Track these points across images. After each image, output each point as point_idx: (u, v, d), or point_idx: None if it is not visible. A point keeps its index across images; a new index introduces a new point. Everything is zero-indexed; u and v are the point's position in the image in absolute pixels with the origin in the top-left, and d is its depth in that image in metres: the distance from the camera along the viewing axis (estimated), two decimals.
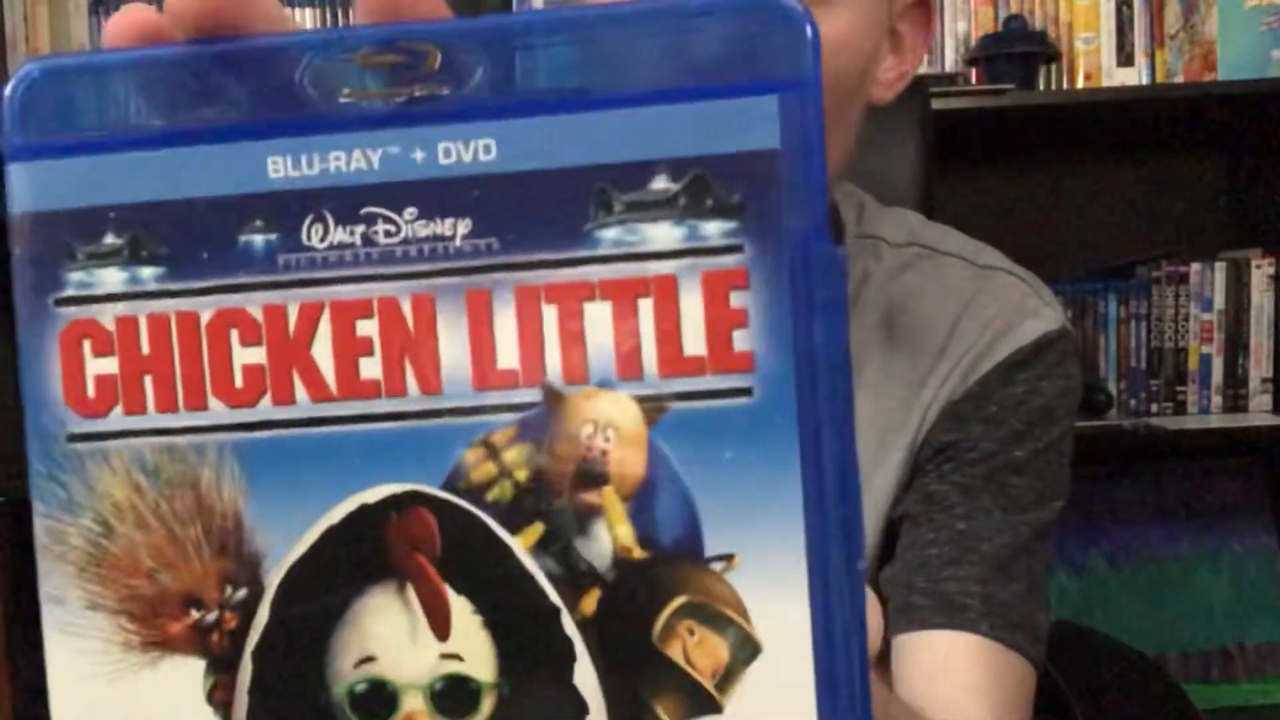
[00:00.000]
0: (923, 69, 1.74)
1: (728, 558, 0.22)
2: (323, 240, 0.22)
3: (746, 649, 0.22)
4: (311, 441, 0.22)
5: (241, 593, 0.22)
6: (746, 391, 0.21)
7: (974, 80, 1.72)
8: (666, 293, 0.21)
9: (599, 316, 0.22)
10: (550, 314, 0.22)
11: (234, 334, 0.22)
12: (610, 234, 0.21)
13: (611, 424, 0.22)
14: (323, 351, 0.22)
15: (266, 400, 0.22)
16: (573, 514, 0.22)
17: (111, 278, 0.22)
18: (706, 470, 0.22)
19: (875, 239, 0.71)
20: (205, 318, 0.22)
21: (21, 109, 0.22)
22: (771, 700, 0.22)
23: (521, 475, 0.22)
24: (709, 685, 0.22)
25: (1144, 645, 1.54)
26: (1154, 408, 1.73)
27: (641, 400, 0.22)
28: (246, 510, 0.22)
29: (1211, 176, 1.86)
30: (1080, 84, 1.78)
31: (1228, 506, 1.80)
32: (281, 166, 0.22)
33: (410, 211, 0.22)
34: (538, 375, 0.22)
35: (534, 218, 0.22)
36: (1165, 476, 1.81)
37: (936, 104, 1.20)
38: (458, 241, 0.22)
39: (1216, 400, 1.73)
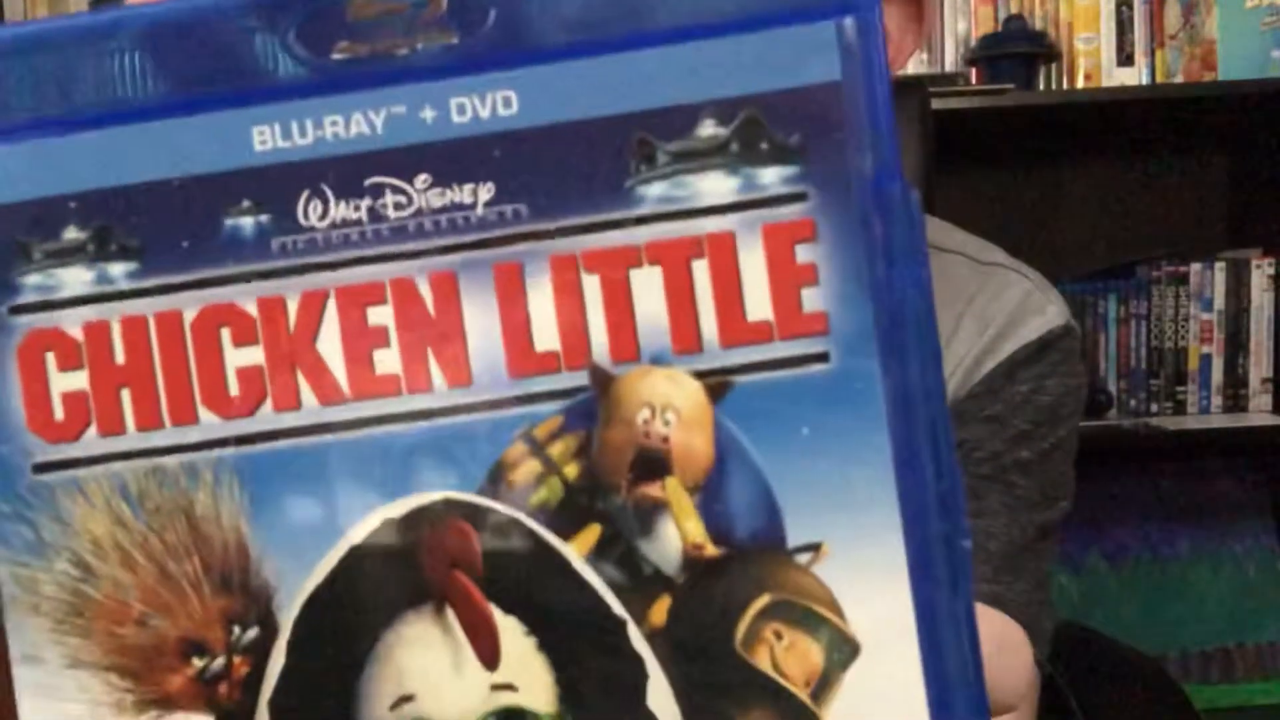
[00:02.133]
0: (923, 69, 1.74)
1: (815, 548, 0.19)
2: (322, 218, 0.19)
3: (844, 650, 0.19)
4: (323, 451, 0.19)
5: (252, 633, 0.19)
6: (822, 357, 0.19)
7: (974, 80, 1.72)
8: (724, 252, 0.19)
9: (649, 284, 0.19)
10: (592, 284, 0.19)
11: (225, 333, 0.19)
12: (655, 189, 0.19)
13: (670, 405, 0.19)
14: (330, 346, 0.19)
15: (267, 407, 0.19)
16: (633, 512, 0.19)
17: (76, 278, 0.18)
18: (783, 450, 0.19)
19: None
20: (189, 316, 0.19)
21: None
22: (876, 706, 0.19)
23: (571, 472, 0.19)
24: (803, 695, 0.19)
25: (1144, 645, 1.54)
26: (1154, 408, 1.73)
27: (703, 375, 0.19)
28: (251, 536, 0.19)
29: (1211, 176, 1.86)
30: (1080, 84, 1.78)
31: (1228, 506, 1.80)
32: (269, 137, 0.19)
33: (423, 179, 0.19)
34: (582, 356, 0.19)
35: (565, 177, 0.19)
36: (1165, 476, 1.81)
37: (936, 104, 1.20)
38: (479, 210, 0.19)
39: (1216, 400, 1.72)
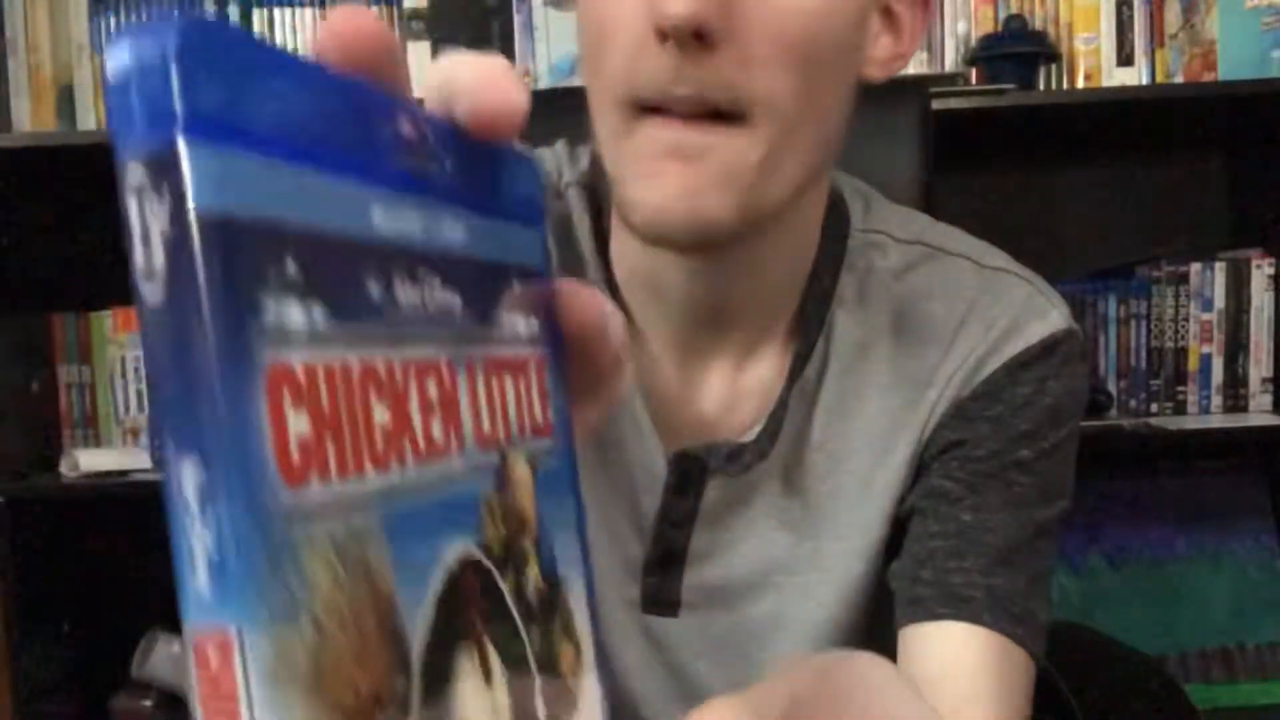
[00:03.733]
0: (923, 69, 1.74)
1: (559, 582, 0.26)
2: (404, 297, 0.21)
3: (580, 657, 0.27)
4: (416, 509, 0.20)
5: (399, 681, 0.19)
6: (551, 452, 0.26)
7: (974, 80, 1.72)
8: (530, 370, 0.26)
9: (511, 388, 0.25)
10: (508, 383, 0.24)
11: (372, 390, 0.19)
12: (510, 322, 0.25)
13: (523, 480, 0.25)
14: (413, 411, 0.21)
15: (395, 463, 0.20)
16: (520, 555, 0.24)
17: (295, 314, 0.18)
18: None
19: (881, 234, 0.70)
20: (355, 371, 0.19)
21: (193, 66, 0.17)
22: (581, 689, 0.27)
23: (502, 530, 0.24)
24: (570, 683, 0.26)
25: (1144, 645, 1.54)
26: (1154, 408, 1.73)
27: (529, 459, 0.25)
28: (395, 587, 0.19)
29: (1211, 176, 1.86)
30: (1080, 84, 1.78)
31: (1228, 506, 1.80)
32: (383, 217, 0.21)
33: (436, 280, 0.22)
34: (496, 437, 0.24)
35: (484, 300, 0.24)
36: (1165, 476, 1.81)
37: (936, 104, 1.20)
38: (457, 313, 0.23)
39: (1216, 400, 1.72)
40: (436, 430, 0.21)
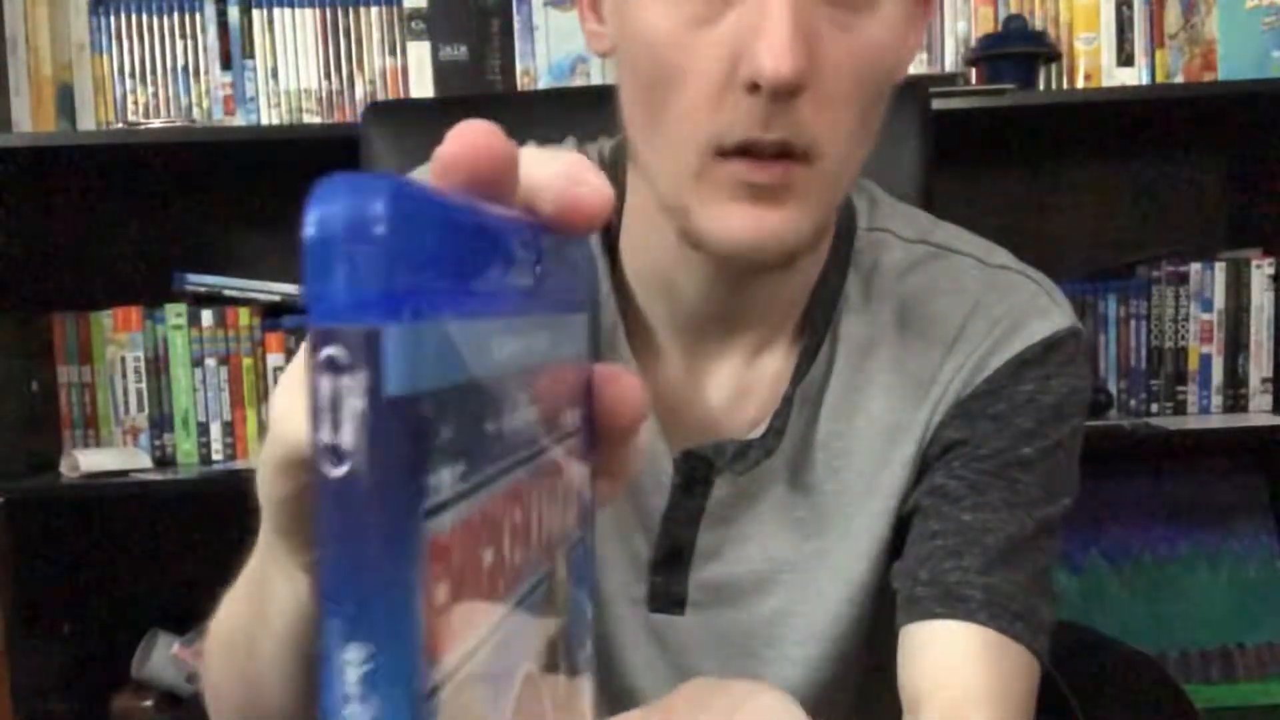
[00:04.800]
0: (923, 69, 1.74)
1: None
2: (508, 428, 0.20)
3: None
4: (504, 637, 0.20)
5: None
6: None
7: (974, 80, 1.72)
8: (572, 465, 0.25)
9: (560, 490, 0.24)
10: (559, 485, 0.24)
11: (484, 534, 0.19)
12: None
13: (563, 581, 0.25)
14: (506, 545, 0.20)
15: (495, 600, 0.19)
16: (554, 657, 0.24)
17: (446, 480, 0.17)
18: None
19: (886, 232, 0.71)
20: (477, 521, 0.18)
21: (399, 243, 0.16)
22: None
23: (548, 637, 0.24)
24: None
25: (1144, 645, 1.54)
26: (1154, 408, 1.73)
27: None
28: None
29: (1211, 176, 1.86)
30: (1080, 84, 1.78)
31: (1228, 506, 1.80)
32: (500, 347, 0.20)
33: (524, 397, 0.21)
34: (551, 548, 0.23)
35: (551, 404, 0.23)
36: (1165, 476, 1.81)
37: (936, 104, 1.20)
38: (536, 428, 0.22)
39: (1216, 400, 1.72)
40: (519, 557, 0.21)
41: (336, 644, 0.16)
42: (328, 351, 0.16)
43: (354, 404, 0.16)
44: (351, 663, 0.16)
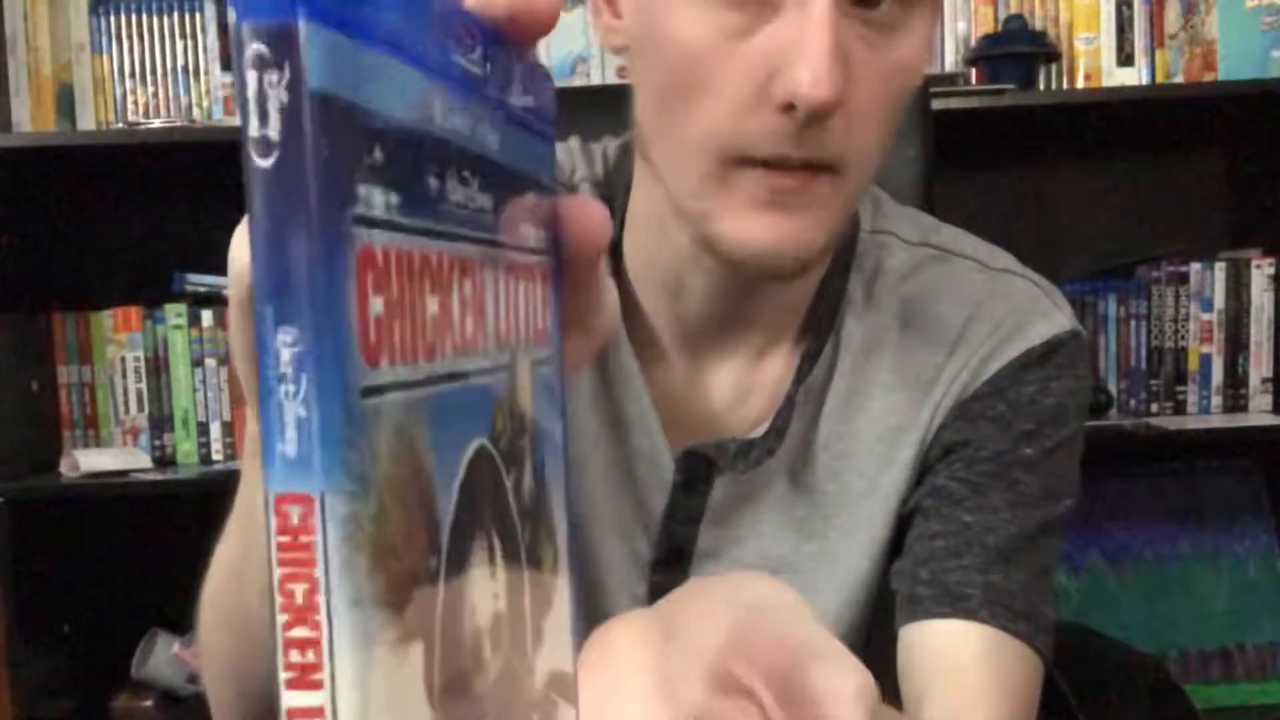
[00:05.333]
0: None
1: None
2: (451, 195, 0.22)
3: (556, 561, 0.28)
4: (450, 397, 0.21)
5: (432, 560, 0.20)
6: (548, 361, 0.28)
7: (974, 80, 1.72)
8: (537, 279, 0.27)
9: (522, 293, 0.26)
10: (519, 289, 0.25)
11: (427, 281, 0.20)
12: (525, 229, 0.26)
13: (526, 383, 0.26)
14: (454, 305, 0.22)
15: (439, 352, 0.21)
16: (519, 454, 0.25)
17: (379, 200, 0.19)
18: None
19: (889, 234, 0.71)
20: (417, 261, 0.20)
21: None
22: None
23: (508, 428, 0.25)
24: (547, 582, 0.27)
25: (1144, 645, 1.54)
26: (1154, 408, 1.73)
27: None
28: (433, 470, 0.20)
29: (1211, 176, 1.86)
30: (1080, 84, 1.78)
31: (1228, 506, 1.80)
32: (442, 113, 0.21)
33: (476, 180, 0.23)
34: (510, 339, 0.25)
35: (507, 205, 0.25)
36: (1165, 476, 1.81)
37: (936, 104, 1.20)
38: (489, 215, 0.24)
39: (1216, 400, 1.72)
40: (470, 325, 0.22)
41: (269, 329, 0.17)
42: (253, 48, 0.17)
43: (279, 96, 0.17)
44: (284, 344, 0.17)
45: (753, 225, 0.58)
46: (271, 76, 0.17)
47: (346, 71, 0.18)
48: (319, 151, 0.17)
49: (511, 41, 0.25)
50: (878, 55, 0.56)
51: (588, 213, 0.28)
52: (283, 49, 0.17)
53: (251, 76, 0.17)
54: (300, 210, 0.17)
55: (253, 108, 0.17)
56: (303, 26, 0.17)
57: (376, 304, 0.18)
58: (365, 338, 0.18)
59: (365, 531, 0.17)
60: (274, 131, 0.17)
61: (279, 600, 0.17)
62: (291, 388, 0.17)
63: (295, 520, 0.17)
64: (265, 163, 0.17)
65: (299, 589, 0.17)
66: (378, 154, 0.18)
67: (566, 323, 0.29)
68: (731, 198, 0.58)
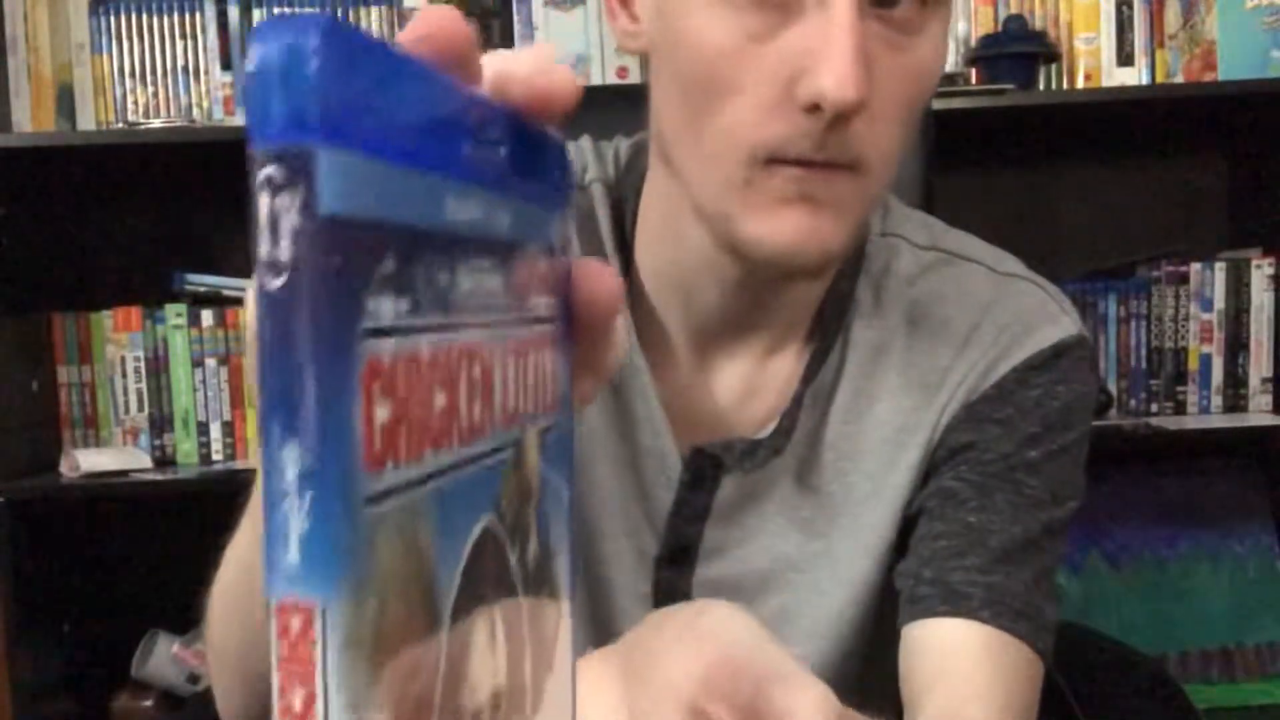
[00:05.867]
0: None
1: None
2: (461, 285, 0.22)
3: (560, 622, 0.28)
4: (456, 483, 0.21)
5: (433, 646, 0.20)
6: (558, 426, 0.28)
7: (974, 80, 1.72)
8: (546, 348, 0.27)
9: (531, 367, 0.26)
10: (529, 363, 0.25)
11: (436, 376, 0.20)
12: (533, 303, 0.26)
13: (534, 454, 0.26)
14: (462, 395, 0.22)
15: (445, 444, 0.21)
16: (525, 523, 0.25)
17: (389, 309, 0.18)
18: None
19: (898, 238, 0.71)
20: (425, 359, 0.20)
21: (333, 69, 0.17)
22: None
23: (515, 502, 0.25)
24: (549, 647, 0.27)
25: (1144, 645, 1.54)
26: (1154, 408, 1.73)
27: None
28: (436, 559, 0.20)
29: (1211, 176, 1.86)
30: (1080, 84, 1.78)
31: (1228, 506, 1.80)
32: (454, 208, 0.21)
33: (486, 264, 0.23)
34: (519, 416, 0.25)
35: (517, 280, 0.25)
36: (1165, 476, 1.81)
37: (936, 104, 1.20)
38: (499, 296, 0.24)
39: (1216, 400, 1.72)
40: (477, 412, 0.22)
41: (276, 444, 0.17)
42: (266, 172, 0.17)
43: (291, 220, 0.17)
44: (289, 459, 0.17)
45: (778, 223, 0.58)
46: (284, 200, 0.17)
47: (359, 190, 0.18)
48: (329, 274, 0.17)
49: (530, 121, 0.25)
50: (898, 56, 0.57)
51: (599, 278, 0.28)
52: (295, 173, 0.17)
53: (264, 199, 0.17)
54: (308, 331, 0.17)
55: (264, 230, 0.17)
56: (316, 151, 0.17)
57: (382, 411, 0.18)
58: (370, 446, 0.18)
59: (365, 635, 0.18)
60: (284, 254, 0.17)
61: (277, 705, 0.17)
62: (296, 501, 0.17)
63: (296, 629, 0.17)
64: (275, 283, 0.17)
65: (297, 698, 0.17)
66: (389, 264, 0.18)
67: (576, 367, 0.29)
68: (756, 197, 0.58)
